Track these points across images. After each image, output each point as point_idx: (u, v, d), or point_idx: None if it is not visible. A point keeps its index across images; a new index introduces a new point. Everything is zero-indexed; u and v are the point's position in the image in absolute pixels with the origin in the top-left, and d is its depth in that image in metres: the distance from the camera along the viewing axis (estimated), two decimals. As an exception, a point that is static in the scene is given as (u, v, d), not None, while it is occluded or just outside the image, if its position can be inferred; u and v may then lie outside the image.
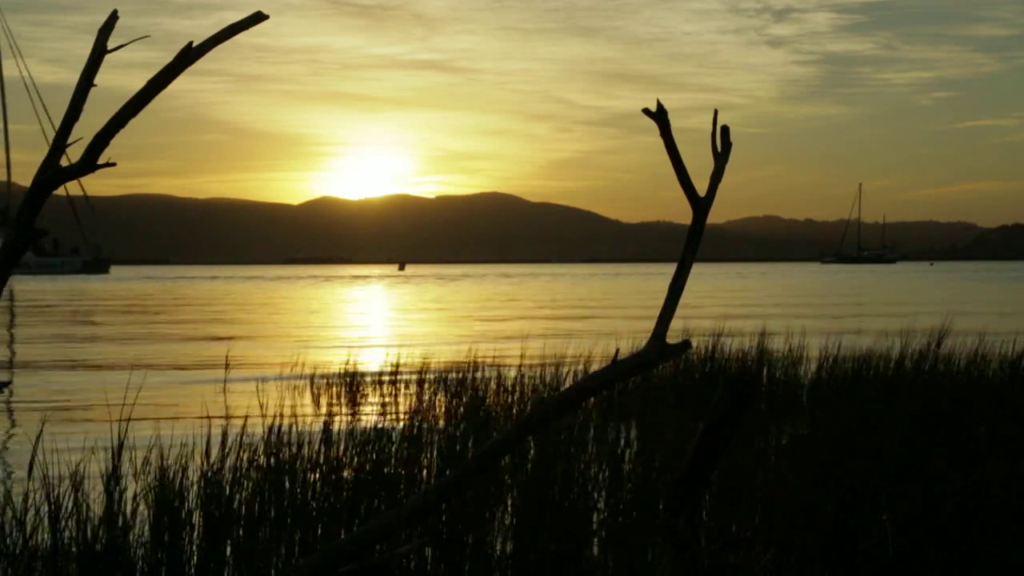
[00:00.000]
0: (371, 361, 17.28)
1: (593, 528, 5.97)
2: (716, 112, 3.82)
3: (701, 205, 3.81)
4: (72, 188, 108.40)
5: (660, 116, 3.67)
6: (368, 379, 14.12)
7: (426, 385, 13.03)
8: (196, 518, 5.39)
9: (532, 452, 6.34)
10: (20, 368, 18.92)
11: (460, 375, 12.46)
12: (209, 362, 20.08)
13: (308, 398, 13.41)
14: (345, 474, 5.90)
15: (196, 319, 36.38)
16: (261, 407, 7.12)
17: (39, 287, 71.31)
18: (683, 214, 3.76)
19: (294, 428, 6.07)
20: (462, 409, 8.00)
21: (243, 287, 73.83)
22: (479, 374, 12.19)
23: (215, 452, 5.66)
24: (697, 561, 3.72)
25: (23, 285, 74.87)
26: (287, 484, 5.66)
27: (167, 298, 55.79)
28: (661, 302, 3.74)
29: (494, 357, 12.84)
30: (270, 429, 5.98)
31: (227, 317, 37.70)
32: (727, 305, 42.62)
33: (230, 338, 25.48)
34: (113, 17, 3.35)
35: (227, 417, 6.07)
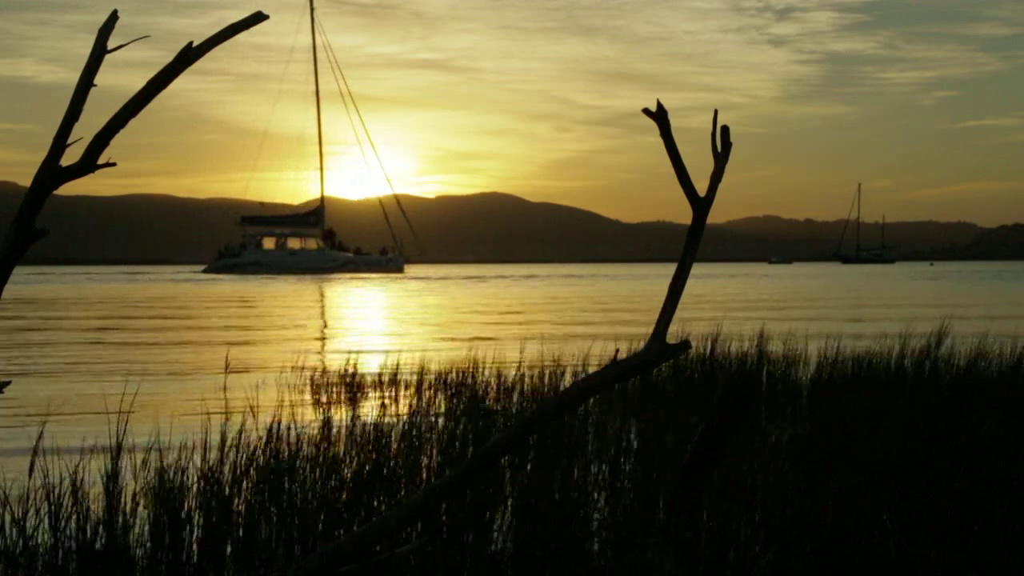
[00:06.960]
0: (371, 361, 17.28)
1: (593, 528, 5.97)
2: (716, 112, 3.82)
3: (701, 205, 3.81)
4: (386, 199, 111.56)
5: (660, 116, 3.67)
6: (368, 378, 14.11)
7: (426, 385, 13.03)
8: (196, 518, 5.39)
9: (532, 452, 6.34)
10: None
11: (460, 375, 12.45)
12: (209, 362, 20.09)
13: (308, 397, 13.41)
14: (345, 474, 5.90)
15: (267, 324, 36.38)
16: (255, 407, 7.12)
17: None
18: (683, 214, 3.77)
19: (294, 428, 6.08)
20: (462, 409, 7.99)
21: (244, 287, 73.85)
22: (479, 374, 12.19)
23: (215, 452, 5.67)
24: (697, 561, 3.72)
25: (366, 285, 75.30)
26: (287, 483, 5.66)
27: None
28: (659, 303, 3.74)
29: (494, 357, 12.84)
30: (270, 429, 5.98)
31: (228, 317, 37.73)
32: (717, 308, 42.61)
33: (236, 340, 25.50)
34: (113, 17, 3.35)
35: (226, 416, 6.08)
